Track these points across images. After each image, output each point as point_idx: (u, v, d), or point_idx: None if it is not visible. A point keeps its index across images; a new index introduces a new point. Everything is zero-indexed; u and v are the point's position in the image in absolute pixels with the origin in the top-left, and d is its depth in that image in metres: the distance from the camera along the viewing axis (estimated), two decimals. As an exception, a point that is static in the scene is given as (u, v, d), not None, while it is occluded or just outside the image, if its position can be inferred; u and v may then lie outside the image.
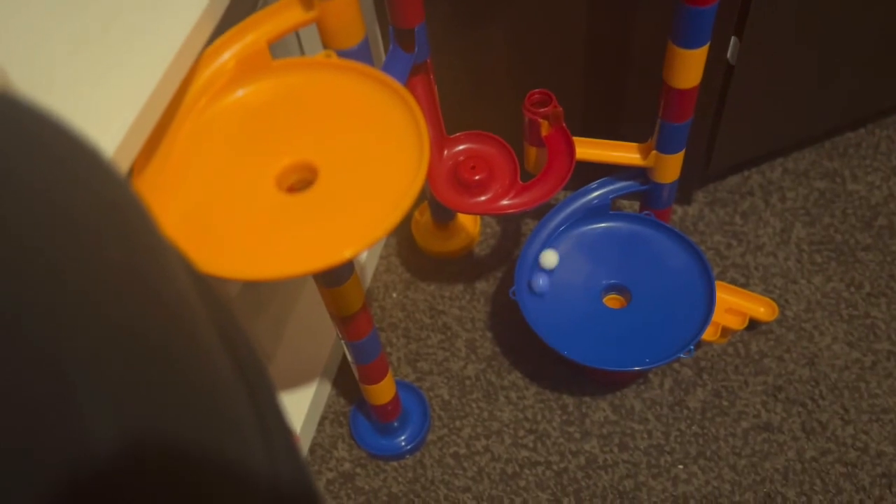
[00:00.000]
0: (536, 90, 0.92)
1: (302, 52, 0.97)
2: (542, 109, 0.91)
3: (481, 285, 1.17)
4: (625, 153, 0.97)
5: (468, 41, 1.04)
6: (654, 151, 0.94)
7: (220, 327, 0.29)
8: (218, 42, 0.65)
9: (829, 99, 1.15)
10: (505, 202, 0.94)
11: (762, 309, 1.06)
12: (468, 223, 1.21)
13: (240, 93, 0.66)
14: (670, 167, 0.95)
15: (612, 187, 1.01)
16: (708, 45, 0.81)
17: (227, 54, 0.65)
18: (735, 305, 1.05)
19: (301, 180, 0.64)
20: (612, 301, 1.01)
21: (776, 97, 1.09)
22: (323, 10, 0.66)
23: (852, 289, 1.12)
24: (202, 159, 0.63)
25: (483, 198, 0.95)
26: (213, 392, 0.26)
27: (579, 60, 1.03)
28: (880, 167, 1.23)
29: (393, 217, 0.58)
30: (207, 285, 0.30)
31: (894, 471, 0.97)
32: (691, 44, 0.80)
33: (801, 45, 1.02)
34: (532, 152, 0.96)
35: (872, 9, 1.03)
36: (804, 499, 0.96)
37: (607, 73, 1.04)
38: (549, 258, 0.98)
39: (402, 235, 1.23)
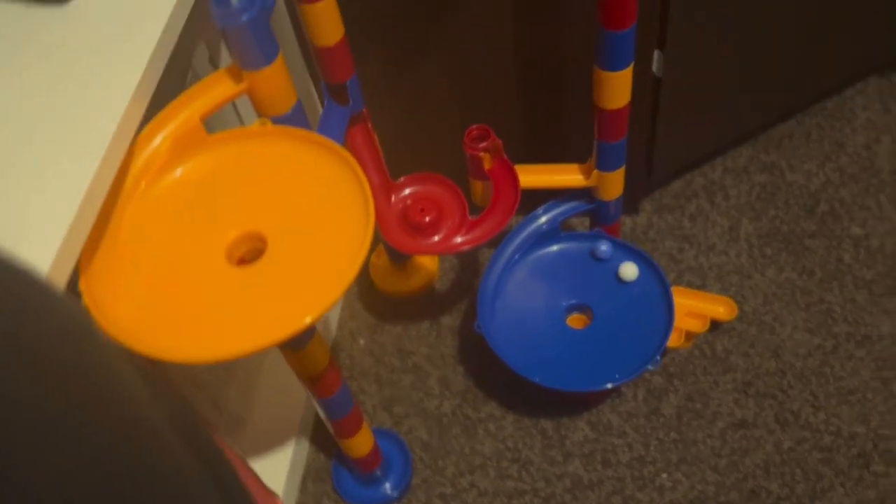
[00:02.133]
0: (474, 126, 0.93)
1: (240, 120, 0.97)
2: (481, 144, 0.93)
3: (447, 320, 1.17)
4: (568, 175, 0.99)
5: (404, 85, 1.05)
6: (595, 171, 0.96)
7: (176, 422, 0.30)
8: (151, 125, 0.65)
9: (756, 95, 1.18)
10: (458, 239, 0.95)
11: (721, 308, 1.08)
12: (426, 260, 1.21)
13: (178, 171, 0.66)
14: (613, 184, 0.97)
15: (558, 210, 1.03)
16: (632, 65, 0.83)
17: (161, 136, 0.65)
18: (695, 308, 1.07)
19: (252, 250, 0.64)
20: (575, 321, 1.02)
21: (706, 101, 1.12)
22: (252, 80, 0.67)
23: (805, 276, 1.15)
24: (149, 243, 0.62)
25: (436, 238, 0.96)
26: (178, 486, 0.27)
27: (513, 90, 1.05)
28: (814, 154, 1.27)
29: (348, 276, 0.58)
30: (159, 382, 0.31)
31: (869, 449, 0.99)
32: (615, 66, 0.82)
33: (722, 47, 1.06)
34: (478, 186, 0.98)
35: (786, 2, 1.06)
36: (787, 490, 0.97)
37: (542, 99, 1.06)
38: (629, 270, 1.01)
39: (362, 281, 1.23)
